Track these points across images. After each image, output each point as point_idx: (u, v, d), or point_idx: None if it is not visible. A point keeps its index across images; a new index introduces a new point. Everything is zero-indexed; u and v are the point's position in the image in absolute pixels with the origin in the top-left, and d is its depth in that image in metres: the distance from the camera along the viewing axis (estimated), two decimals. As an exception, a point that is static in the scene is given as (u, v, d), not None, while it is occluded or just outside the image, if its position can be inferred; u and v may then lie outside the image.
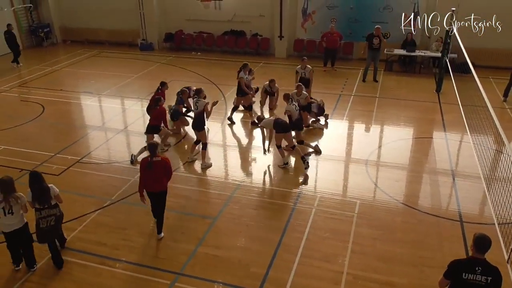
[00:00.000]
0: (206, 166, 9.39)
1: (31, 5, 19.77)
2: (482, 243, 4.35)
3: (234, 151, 10.38)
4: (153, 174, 6.76)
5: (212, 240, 7.12)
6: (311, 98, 11.40)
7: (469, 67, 9.33)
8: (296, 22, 17.66)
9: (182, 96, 10.77)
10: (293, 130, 9.68)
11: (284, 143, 9.37)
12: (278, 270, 6.44)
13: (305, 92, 10.67)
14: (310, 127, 11.20)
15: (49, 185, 6.23)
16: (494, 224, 6.19)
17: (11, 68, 16.80)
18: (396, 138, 10.70)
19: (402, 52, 15.70)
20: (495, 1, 14.68)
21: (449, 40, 13.01)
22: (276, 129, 9.12)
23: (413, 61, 16.09)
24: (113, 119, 12.11)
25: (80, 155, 9.95)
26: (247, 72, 11.73)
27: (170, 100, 11.24)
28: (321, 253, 6.76)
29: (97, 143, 10.65)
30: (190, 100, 10.84)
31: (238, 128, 11.49)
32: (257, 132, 11.07)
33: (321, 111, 11.28)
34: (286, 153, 9.48)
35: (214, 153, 10.06)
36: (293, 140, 9.46)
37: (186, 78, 14.39)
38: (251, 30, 18.53)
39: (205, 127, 9.45)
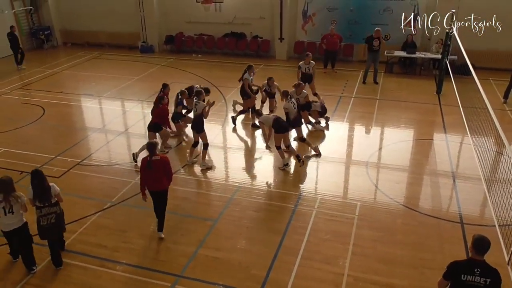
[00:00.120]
0: (205, 166, 9.40)
1: (31, 7, 19.81)
2: (481, 244, 4.34)
3: (234, 153, 10.37)
4: (153, 173, 6.80)
5: (213, 242, 7.11)
6: (313, 102, 11.41)
7: (469, 68, 9.33)
8: (297, 24, 17.70)
9: (182, 97, 10.78)
10: (293, 128, 9.66)
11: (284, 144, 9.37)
12: (279, 272, 6.43)
13: (305, 91, 10.63)
14: (312, 129, 11.20)
15: (50, 184, 6.28)
16: (494, 226, 6.18)
17: (17, 70, 16.93)
18: (397, 140, 10.70)
19: (403, 54, 15.71)
20: (495, 2, 14.69)
21: (449, 42, 13.02)
22: (276, 129, 9.10)
23: (414, 63, 16.12)
24: (113, 121, 12.12)
25: (80, 157, 9.96)
26: (252, 73, 11.70)
27: (171, 101, 11.23)
28: (322, 255, 6.75)
29: (98, 145, 10.66)
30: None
31: (239, 130, 11.49)
32: (257, 134, 11.11)
33: (324, 111, 11.29)
34: (286, 155, 9.47)
35: (214, 155, 10.06)
36: (289, 139, 9.44)
37: (187, 80, 14.38)
38: (252, 32, 18.56)
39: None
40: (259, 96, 12.23)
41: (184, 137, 10.96)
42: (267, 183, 9.00)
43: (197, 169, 9.49)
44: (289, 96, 9.79)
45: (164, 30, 19.71)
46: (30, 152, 10.17)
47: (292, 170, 9.37)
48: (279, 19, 17.48)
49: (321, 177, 9.19)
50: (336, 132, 11.18)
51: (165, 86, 10.61)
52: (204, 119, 9.21)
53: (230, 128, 11.59)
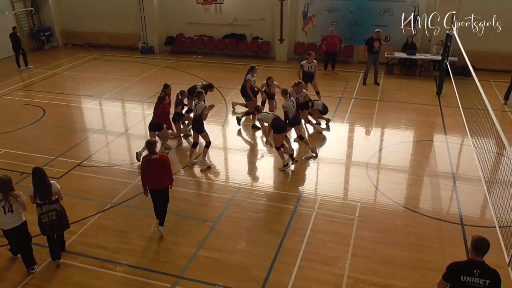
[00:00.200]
0: (204, 164, 9.43)
1: (32, 8, 19.85)
2: (480, 245, 4.34)
3: (234, 154, 10.37)
4: (153, 172, 6.88)
5: (213, 243, 7.11)
6: (315, 100, 11.43)
7: (470, 70, 9.33)
8: (297, 25, 17.70)
9: (181, 98, 10.79)
10: (292, 127, 9.65)
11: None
12: (279, 274, 6.43)
13: (304, 91, 10.61)
14: (314, 130, 11.21)
15: (51, 182, 6.34)
16: (495, 227, 6.17)
17: (18, 70, 17.02)
18: (397, 141, 10.69)
19: (403, 55, 15.71)
20: (495, 3, 14.70)
21: (449, 43, 13.03)
22: (274, 129, 9.11)
23: (414, 64, 16.13)
24: (113, 122, 12.12)
25: (80, 159, 9.96)
26: (254, 74, 11.68)
27: (172, 101, 11.23)
28: (322, 256, 6.75)
29: (98, 147, 10.66)
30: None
31: (239, 131, 11.49)
32: (258, 135, 11.11)
33: (325, 109, 11.29)
34: (286, 156, 9.47)
35: (214, 156, 10.06)
36: (288, 139, 9.43)
37: (187, 81, 14.38)
38: (252, 33, 18.56)
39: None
40: (259, 97, 12.23)
41: (184, 139, 10.96)
42: (267, 184, 9.00)
43: (197, 170, 9.49)
44: (288, 95, 9.80)
45: (165, 31, 19.73)
46: (31, 153, 10.18)
47: (292, 171, 9.37)
48: (279, 20, 17.48)
49: (321, 178, 9.19)
50: (336, 133, 11.18)
51: (166, 87, 10.63)
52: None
53: (230, 129, 11.60)
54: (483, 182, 7.64)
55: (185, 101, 10.77)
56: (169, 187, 7.22)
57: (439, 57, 14.30)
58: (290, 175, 9.24)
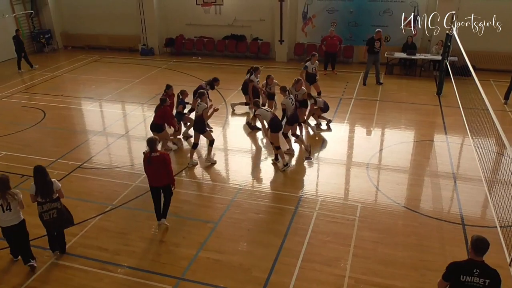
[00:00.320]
0: (210, 162, 9.57)
1: (32, 11, 19.88)
2: (480, 245, 4.34)
3: (235, 155, 10.37)
4: (153, 169, 6.95)
5: (214, 245, 7.11)
6: (317, 97, 11.44)
7: (470, 70, 9.34)
8: (296, 26, 17.71)
9: (182, 97, 10.79)
10: (290, 125, 9.64)
11: (286, 146, 9.35)
12: (280, 274, 6.43)
13: (304, 88, 10.60)
14: (314, 132, 11.21)
15: (52, 180, 6.38)
16: (496, 227, 6.17)
17: (18, 73, 17.07)
18: (397, 141, 10.69)
19: (403, 55, 15.71)
20: (495, 3, 14.70)
21: (449, 43, 13.03)
22: (271, 129, 9.10)
23: (414, 64, 16.13)
24: (114, 124, 12.13)
25: (81, 161, 9.97)
26: (258, 75, 11.67)
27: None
28: (323, 257, 6.74)
29: (98, 148, 10.66)
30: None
31: (239, 132, 11.49)
32: (258, 135, 11.11)
33: (326, 107, 11.29)
34: (286, 157, 9.47)
35: (215, 157, 10.05)
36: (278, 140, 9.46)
37: (187, 83, 14.38)
38: (252, 34, 18.58)
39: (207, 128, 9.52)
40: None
41: (184, 140, 10.96)
42: (267, 185, 9.00)
43: (197, 171, 9.50)
44: (287, 92, 9.79)
45: (164, 32, 19.75)
46: (31, 155, 10.18)
47: (292, 172, 9.37)
48: (279, 21, 17.49)
49: (322, 179, 9.18)
50: (337, 133, 11.17)
51: (168, 87, 10.61)
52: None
53: (230, 130, 11.61)
54: (483, 182, 7.64)
55: (187, 99, 10.78)
56: (172, 188, 7.28)
57: (439, 57, 14.30)
58: (291, 176, 9.24)
